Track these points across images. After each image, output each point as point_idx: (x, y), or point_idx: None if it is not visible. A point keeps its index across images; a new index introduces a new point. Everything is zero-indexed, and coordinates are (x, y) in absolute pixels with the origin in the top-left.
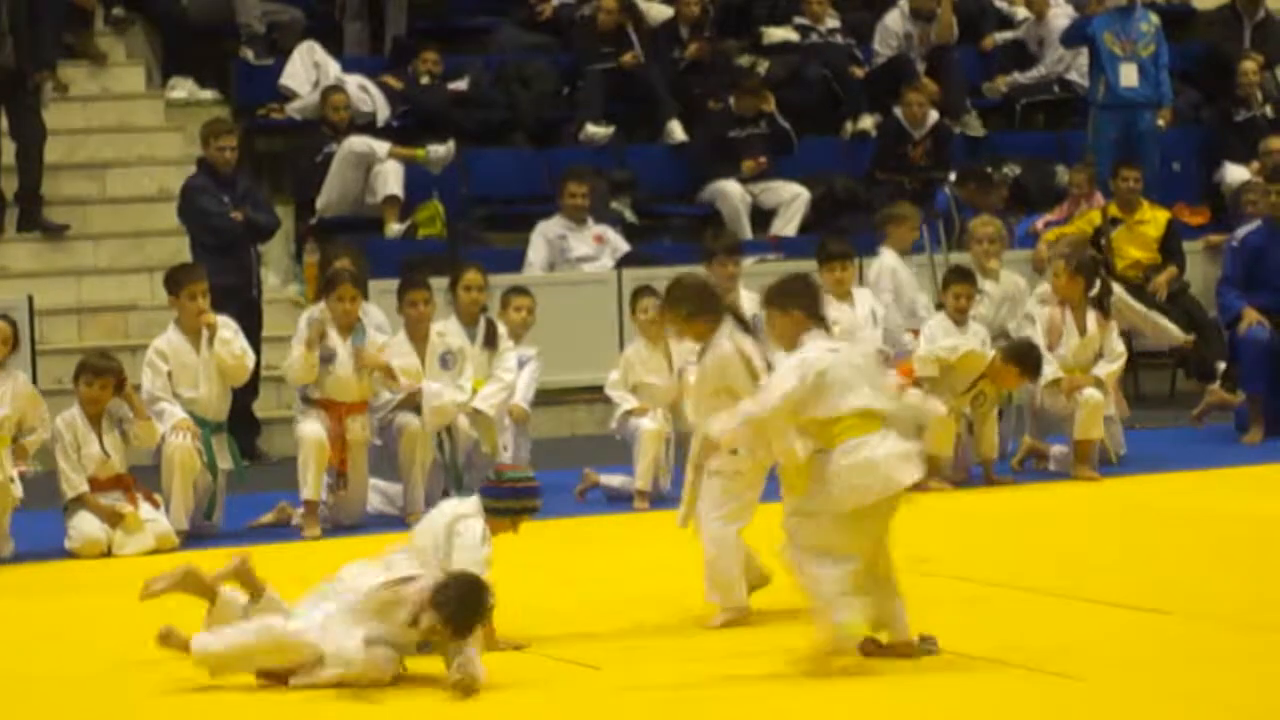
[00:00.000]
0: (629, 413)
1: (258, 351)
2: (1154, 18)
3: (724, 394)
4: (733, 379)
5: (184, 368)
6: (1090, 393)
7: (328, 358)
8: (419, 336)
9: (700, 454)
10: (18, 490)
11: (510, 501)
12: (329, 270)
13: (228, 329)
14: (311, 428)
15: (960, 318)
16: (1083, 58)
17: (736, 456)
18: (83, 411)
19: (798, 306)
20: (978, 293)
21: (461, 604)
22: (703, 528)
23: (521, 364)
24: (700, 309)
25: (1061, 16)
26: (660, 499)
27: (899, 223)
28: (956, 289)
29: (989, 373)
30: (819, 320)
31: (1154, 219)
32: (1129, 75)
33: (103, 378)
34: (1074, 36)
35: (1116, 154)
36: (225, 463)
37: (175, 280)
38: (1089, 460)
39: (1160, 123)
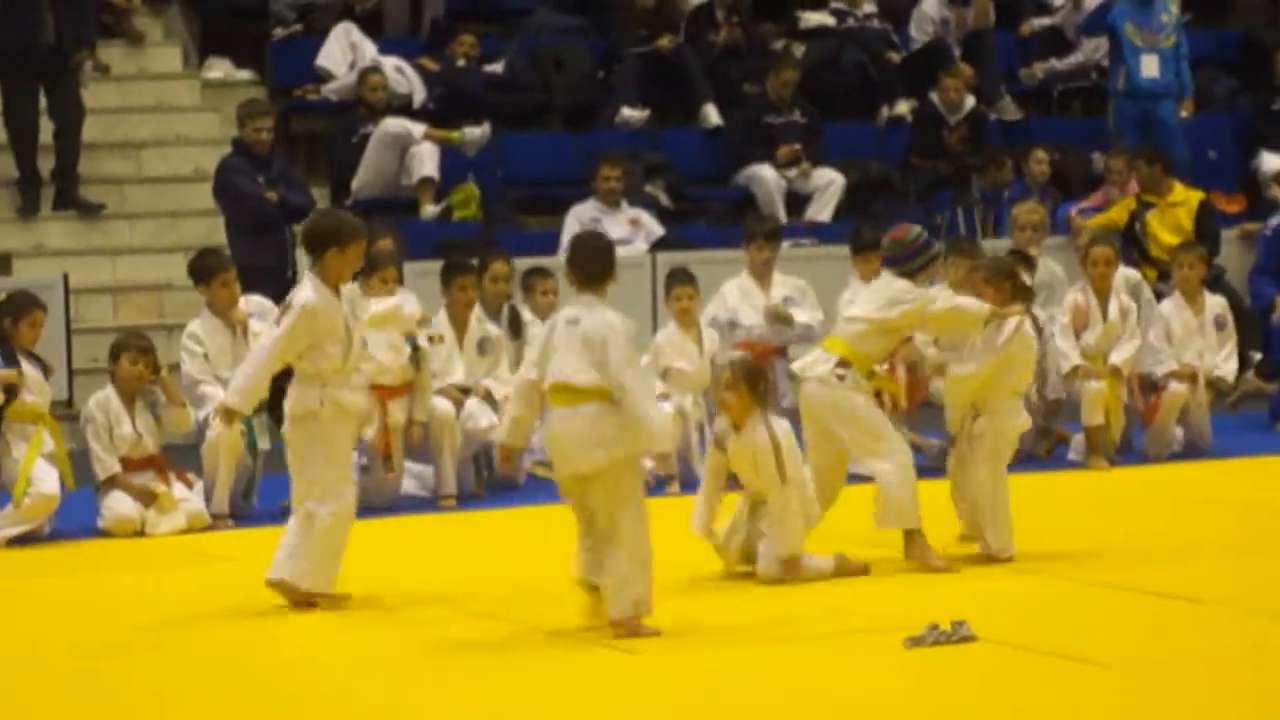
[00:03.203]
0: None
1: None
2: (1174, 8)
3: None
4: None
5: (221, 350)
6: (1091, 381)
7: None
8: (460, 322)
9: None
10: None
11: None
12: (370, 250)
13: (261, 319)
14: None
15: None
16: None
17: None
18: (117, 391)
19: None
20: None
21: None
22: None
23: None
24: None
25: (1099, 3)
26: (692, 482)
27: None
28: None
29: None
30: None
31: (1186, 201)
32: (1150, 66)
33: (146, 356)
34: (1094, 25)
35: (1138, 142)
36: (265, 443)
37: (203, 270)
38: (1099, 448)
39: (1183, 114)
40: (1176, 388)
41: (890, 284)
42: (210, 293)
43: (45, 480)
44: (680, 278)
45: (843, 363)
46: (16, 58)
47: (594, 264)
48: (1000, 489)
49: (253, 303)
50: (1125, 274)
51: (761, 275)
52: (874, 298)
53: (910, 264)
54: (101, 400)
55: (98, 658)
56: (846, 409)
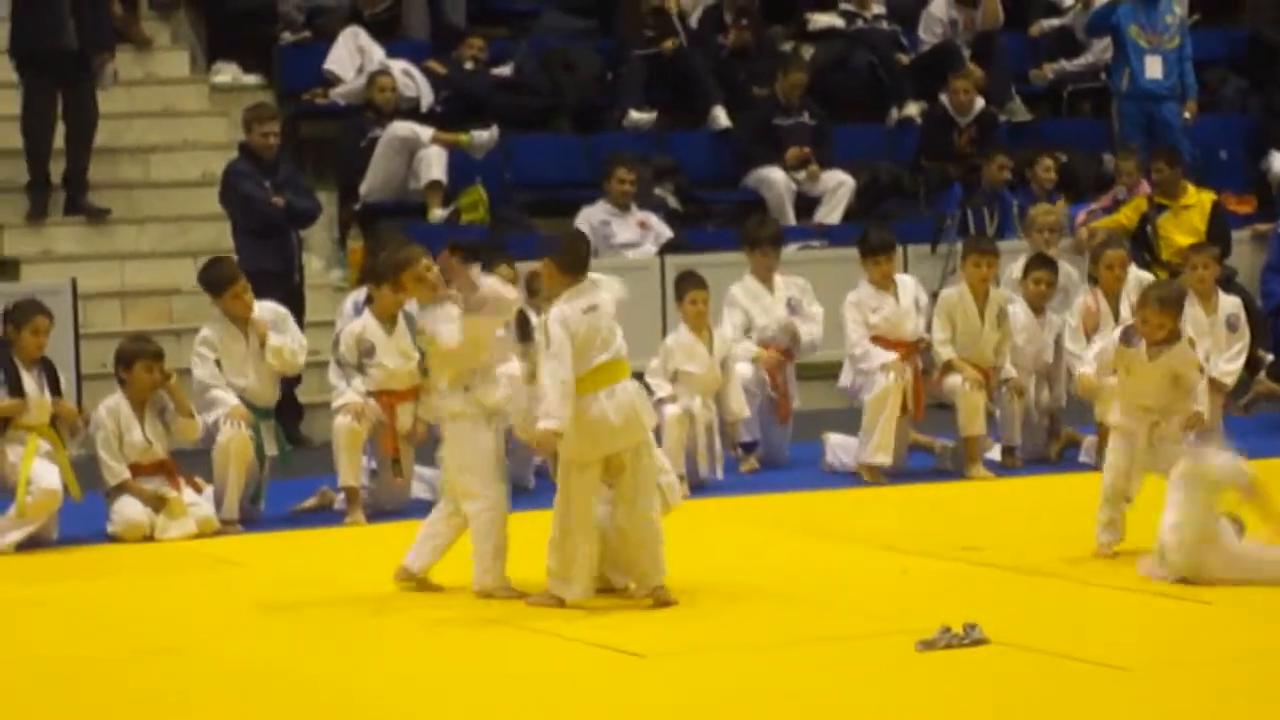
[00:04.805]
0: (660, 400)
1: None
2: (1178, 9)
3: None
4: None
5: (232, 357)
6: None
7: (367, 351)
8: None
9: None
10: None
11: None
12: (381, 256)
13: (276, 333)
14: (343, 419)
15: (1040, 304)
16: None
17: None
18: (128, 398)
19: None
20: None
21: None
22: None
23: None
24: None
25: (1103, 4)
26: (701, 486)
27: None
28: (1037, 274)
29: None
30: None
31: (1199, 202)
32: (1154, 67)
33: (159, 361)
34: (1098, 26)
35: (1142, 144)
36: (271, 449)
37: (215, 283)
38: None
39: (1186, 115)
40: None
41: None
42: (223, 303)
43: (45, 476)
44: (693, 281)
45: None
46: (39, 61)
47: (580, 250)
48: None
49: (265, 309)
50: (1139, 276)
51: (766, 278)
52: None
53: None
54: (112, 407)
55: (112, 662)
56: None
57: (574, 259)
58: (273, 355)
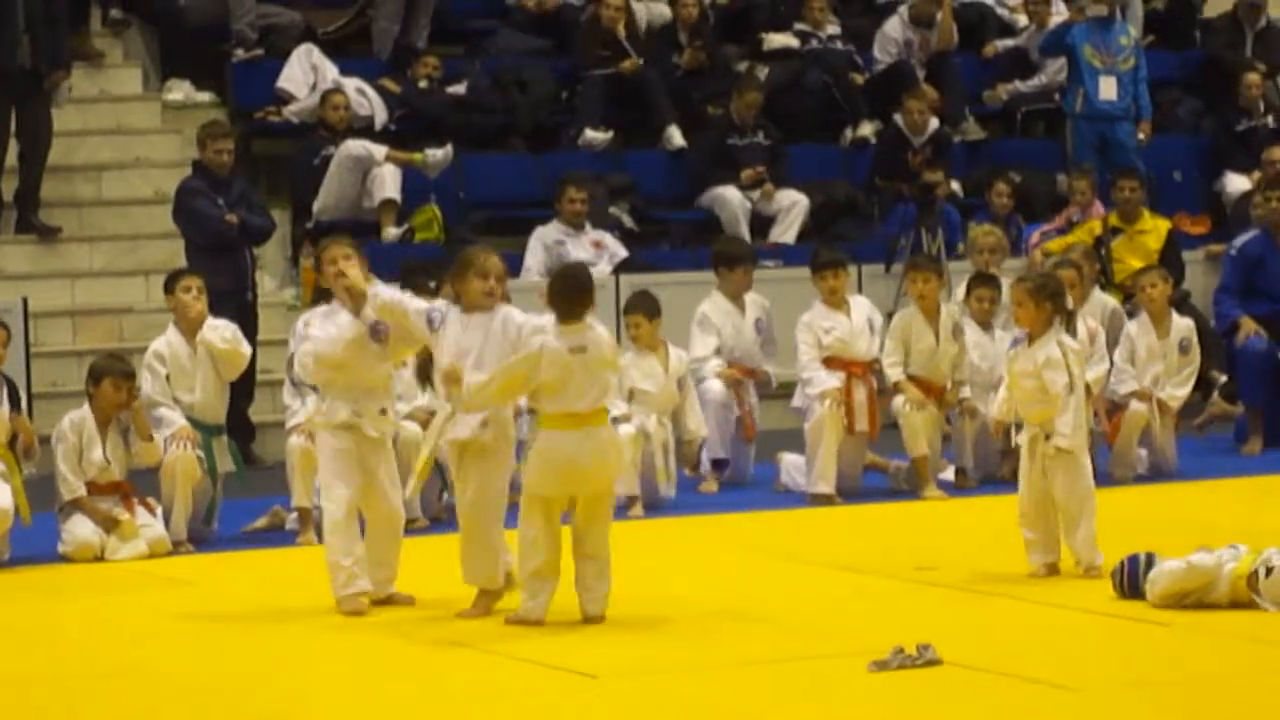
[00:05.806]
0: (616, 419)
1: (253, 355)
2: (1133, 31)
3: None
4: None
5: (182, 371)
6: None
7: None
8: None
9: None
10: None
11: None
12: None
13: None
14: (297, 439)
15: (985, 320)
16: None
17: None
18: (94, 413)
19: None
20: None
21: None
22: None
23: None
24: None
25: (1058, 25)
26: (657, 506)
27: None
28: (979, 292)
29: None
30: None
31: (1155, 228)
32: (1108, 88)
33: (129, 381)
34: (1053, 45)
35: (1096, 164)
36: (226, 466)
37: (172, 277)
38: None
39: (1141, 136)
40: (1138, 407)
41: None
42: (174, 300)
43: None
44: (633, 305)
45: None
46: None
47: (580, 296)
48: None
49: (221, 327)
50: (1103, 300)
51: (738, 297)
52: None
53: None
54: (76, 421)
55: (64, 682)
56: None
57: (565, 300)
58: (210, 330)
